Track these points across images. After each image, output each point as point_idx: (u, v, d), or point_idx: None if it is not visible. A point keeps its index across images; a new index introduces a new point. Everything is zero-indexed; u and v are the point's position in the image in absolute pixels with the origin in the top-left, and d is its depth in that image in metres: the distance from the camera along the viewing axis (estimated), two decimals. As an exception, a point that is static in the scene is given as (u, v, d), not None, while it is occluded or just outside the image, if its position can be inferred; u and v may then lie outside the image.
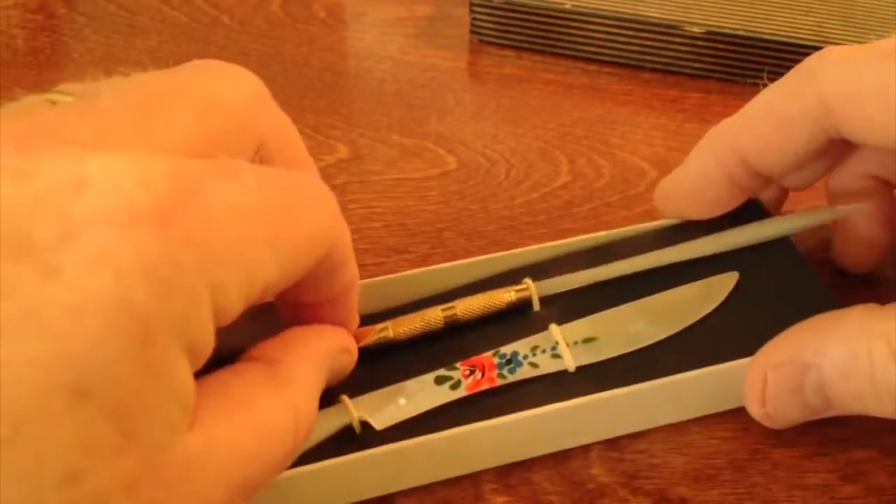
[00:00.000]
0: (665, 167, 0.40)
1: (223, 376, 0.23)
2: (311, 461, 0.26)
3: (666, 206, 0.33)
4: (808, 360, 0.27)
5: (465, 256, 0.34)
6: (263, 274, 0.21)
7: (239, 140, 0.23)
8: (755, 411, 0.28)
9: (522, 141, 0.42)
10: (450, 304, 0.31)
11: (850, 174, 0.33)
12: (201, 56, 0.49)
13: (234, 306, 0.20)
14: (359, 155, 0.42)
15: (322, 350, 0.26)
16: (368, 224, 0.38)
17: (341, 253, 0.24)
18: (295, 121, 0.45)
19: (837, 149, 0.31)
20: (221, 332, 0.21)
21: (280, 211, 0.21)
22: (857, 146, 0.31)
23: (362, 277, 0.32)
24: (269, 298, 0.23)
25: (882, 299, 0.28)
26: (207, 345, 0.20)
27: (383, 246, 0.37)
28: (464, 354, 0.29)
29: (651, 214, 0.38)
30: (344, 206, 0.38)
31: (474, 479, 0.28)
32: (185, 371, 0.19)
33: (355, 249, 0.36)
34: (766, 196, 0.34)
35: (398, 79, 0.46)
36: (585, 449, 0.29)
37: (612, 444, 0.29)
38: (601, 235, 0.33)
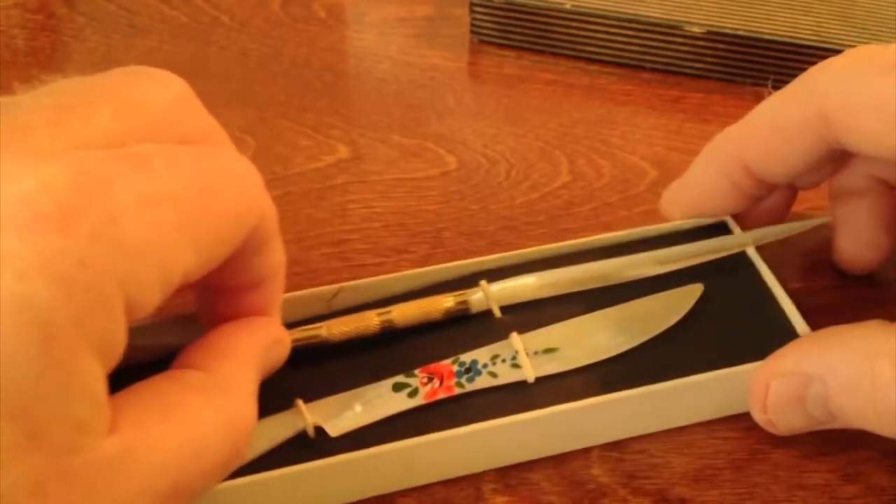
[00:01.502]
0: (665, 167, 0.40)
1: (155, 383, 0.22)
2: (264, 466, 0.26)
3: (672, 213, 0.34)
4: (811, 372, 0.27)
5: (466, 256, 0.34)
6: (181, 262, 0.21)
7: (160, 140, 0.23)
8: (758, 417, 0.28)
9: (522, 141, 0.42)
10: (386, 309, 0.30)
11: (853, 174, 0.33)
12: (201, 56, 0.49)
13: (151, 299, 0.20)
14: (359, 155, 0.42)
15: (255, 348, 0.25)
16: (368, 224, 0.38)
17: (267, 230, 0.24)
18: (295, 121, 0.45)
19: (842, 154, 0.31)
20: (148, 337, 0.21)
21: (195, 193, 0.21)
22: None
23: (363, 278, 0.32)
24: (191, 281, 0.22)
25: (883, 300, 0.28)
26: (118, 342, 0.20)
27: (383, 246, 0.37)
28: (422, 359, 0.29)
29: (651, 215, 0.38)
30: (344, 206, 0.39)
31: (474, 479, 0.28)
32: (93, 371, 0.19)
33: (355, 249, 0.37)
34: (776, 197, 0.34)
35: (398, 79, 0.46)
36: (585, 449, 0.29)
37: (612, 444, 0.29)
38: (567, 244, 0.33)
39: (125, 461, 0.20)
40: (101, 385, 0.19)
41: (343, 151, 0.42)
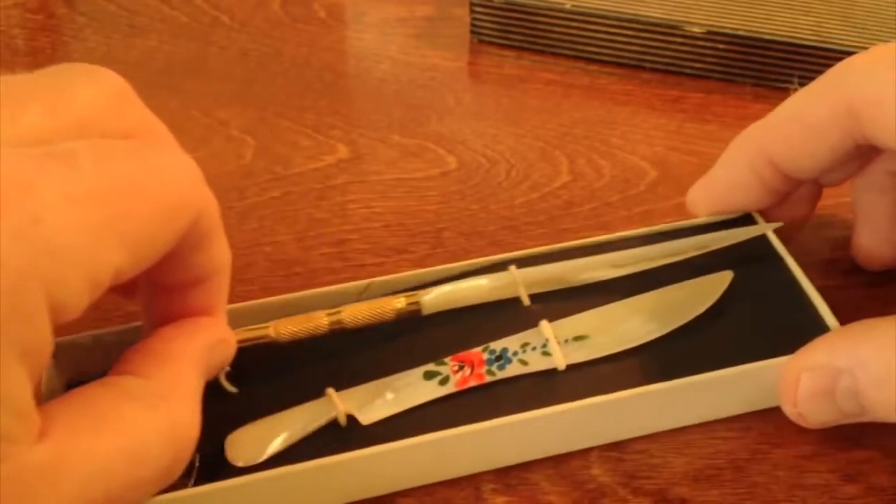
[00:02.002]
0: (665, 167, 0.40)
1: (90, 390, 0.22)
2: (297, 455, 0.26)
3: (698, 210, 0.34)
4: (841, 365, 0.27)
5: (465, 256, 0.34)
6: (109, 261, 0.20)
7: (93, 136, 0.22)
8: (788, 410, 0.29)
9: (522, 141, 0.42)
10: (336, 310, 0.30)
11: (876, 170, 0.33)
12: (201, 56, 0.49)
13: (78, 300, 0.20)
14: (359, 155, 0.42)
15: (197, 351, 0.25)
16: (368, 224, 0.38)
17: (207, 226, 0.23)
18: (295, 121, 0.45)
19: (868, 149, 0.31)
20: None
21: (124, 190, 0.20)
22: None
23: (362, 278, 0.32)
24: (124, 280, 0.22)
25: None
26: (44, 346, 0.19)
27: (383, 246, 0.37)
28: (452, 348, 0.29)
29: (651, 214, 0.38)
30: (344, 206, 0.39)
31: (474, 479, 0.28)
32: (17, 377, 0.19)
33: (355, 249, 0.37)
34: (801, 193, 0.34)
35: (398, 79, 0.46)
36: (585, 449, 0.29)
37: (612, 444, 0.29)
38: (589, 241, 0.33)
39: (55, 470, 0.19)
40: (25, 392, 0.19)
41: (343, 151, 0.42)
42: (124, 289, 0.25)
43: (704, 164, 0.40)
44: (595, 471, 0.29)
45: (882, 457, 0.29)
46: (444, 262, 0.32)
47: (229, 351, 0.27)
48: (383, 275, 0.32)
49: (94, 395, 0.22)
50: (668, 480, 0.28)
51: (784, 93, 0.44)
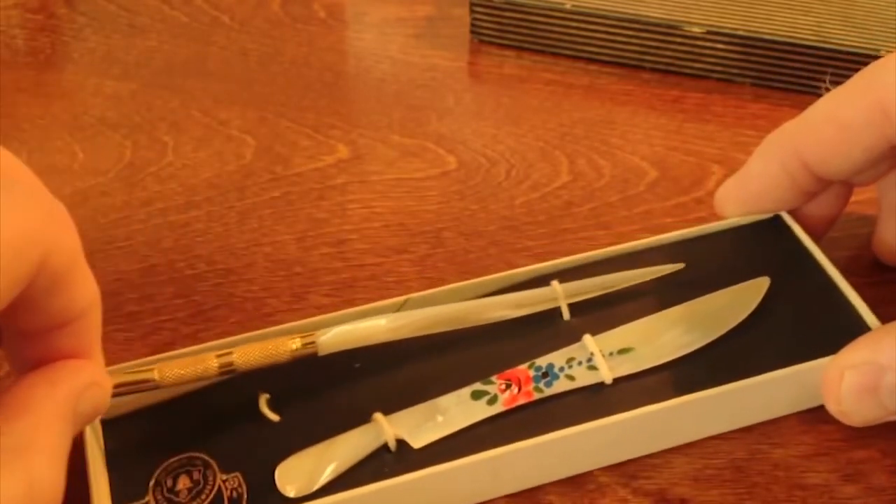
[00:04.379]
0: (665, 167, 0.40)
1: None
2: (348, 482, 0.26)
3: (727, 210, 0.34)
4: (884, 362, 0.27)
5: (465, 256, 0.34)
6: None
7: None
8: (831, 408, 0.29)
9: (522, 141, 0.42)
10: (227, 351, 0.28)
11: None
12: (201, 56, 0.49)
13: None
14: (359, 155, 0.41)
15: (59, 399, 0.22)
16: (368, 224, 0.38)
17: (59, 265, 0.21)
18: (295, 121, 0.45)
19: None
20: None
21: None
22: None
23: (362, 278, 0.32)
24: None
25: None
26: None
27: (383, 246, 0.37)
28: (494, 365, 0.29)
29: (650, 214, 0.38)
30: (344, 206, 0.39)
31: (474, 479, 0.28)
32: None
33: (355, 249, 0.37)
34: (831, 194, 0.34)
35: (398, 79, 0.46)
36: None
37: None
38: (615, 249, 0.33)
39: None
40: None
41: (343, 151, 0.42)
42: None
43: (704, 164, 0.41)
44: (595, 471, 0.29)
45: (882, 457, 0.29)
46: (444, 263, 0.32)
47: (103, 395, 0.24)
48: (383, 275, 0.32)
49: None
50: (668, 480, 0.28)
51: (783, 93, 0.44)
